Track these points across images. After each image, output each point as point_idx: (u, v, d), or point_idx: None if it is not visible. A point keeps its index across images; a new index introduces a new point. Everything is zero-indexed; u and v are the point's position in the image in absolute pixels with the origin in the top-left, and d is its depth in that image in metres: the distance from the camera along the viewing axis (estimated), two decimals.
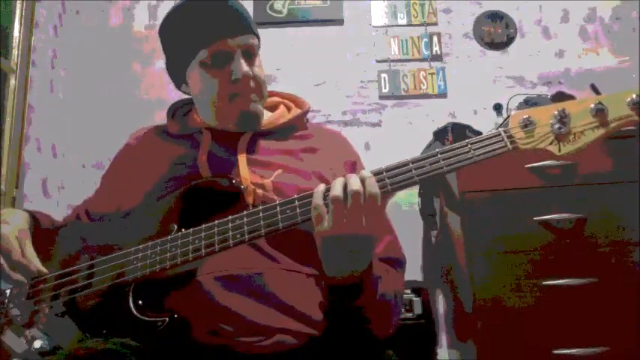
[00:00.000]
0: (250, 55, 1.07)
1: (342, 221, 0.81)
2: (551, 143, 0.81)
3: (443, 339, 2.27)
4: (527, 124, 0.82)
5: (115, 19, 2.65)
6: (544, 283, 1.65)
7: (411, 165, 0.84)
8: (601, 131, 0.78)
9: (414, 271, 2.31)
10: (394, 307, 0.98)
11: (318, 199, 0.83)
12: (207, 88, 1.07)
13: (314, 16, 2.64)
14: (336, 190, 0.82)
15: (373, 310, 0.92)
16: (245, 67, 1.04)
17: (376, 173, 0.84)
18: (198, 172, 1.01)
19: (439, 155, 0.83)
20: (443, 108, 2.51)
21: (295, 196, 0.87)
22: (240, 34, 1.05)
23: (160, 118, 1.21)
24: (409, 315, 1.97)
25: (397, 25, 2.63)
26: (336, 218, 0.81)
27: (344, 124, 2.50)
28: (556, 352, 1.59)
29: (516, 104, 2.12)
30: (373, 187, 0.82)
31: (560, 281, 1.64)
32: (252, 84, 1.06)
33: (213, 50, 1.03)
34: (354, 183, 0.81)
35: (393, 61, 2.58)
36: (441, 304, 2.32)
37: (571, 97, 1.88)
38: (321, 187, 0.85)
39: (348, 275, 0.86)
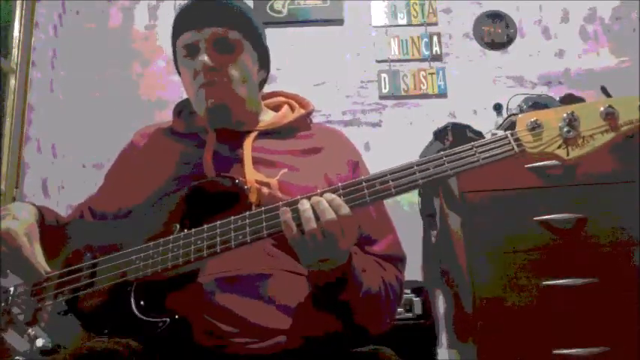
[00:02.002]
0: (227, 49, 1.05)
1: (303, 249, 0.82)
2: (559, 147, 0.79)
3: (443, 339, 2.27)
4: (535, 127, 0.79)
5: (115, 19, 2.65)
6: (544, 283, 1.65)
7: (415, 167, 0.82)
8: (611, 135, 0.76)
9: (414, 271, 2.31)
10: (383, 301, 0.97)
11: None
12: (184, 79, 1.09)
13: (314, 16, 2.63)
14: (292, 228, 0.81)
15: (360, 304, 0.91)
16: (206, 59, 1.02)
17: (380, 176, 0.83)
18: (203, 171, 1.01)
19: (444, 158, 0.81)
20: (443, 108, 2.51)
21: (298, 197, 0.86)
22: (209, 25, 1.04)
23: (160, 118, 1.21)
24: (409, 315, 1.97)
25: (397, 25, 2.63)
26: (296, 246, 0.82)
27: (344, 124, 2.49)
28: (556, 352, 1.60)
29: (517, 104, 2.12)
30: (326, 213, 0.80)
31: (560, 281, 1.64)
32: (218, 77, 1.04)
33: (183, 41, 1.06)
34: (307, 222, 0.80)
35: (393, 61, 2.58)
36: (441, 304, 2.32)
37: (581, 100, 1.88)
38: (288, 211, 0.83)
39: (329, 270, 0.86)
